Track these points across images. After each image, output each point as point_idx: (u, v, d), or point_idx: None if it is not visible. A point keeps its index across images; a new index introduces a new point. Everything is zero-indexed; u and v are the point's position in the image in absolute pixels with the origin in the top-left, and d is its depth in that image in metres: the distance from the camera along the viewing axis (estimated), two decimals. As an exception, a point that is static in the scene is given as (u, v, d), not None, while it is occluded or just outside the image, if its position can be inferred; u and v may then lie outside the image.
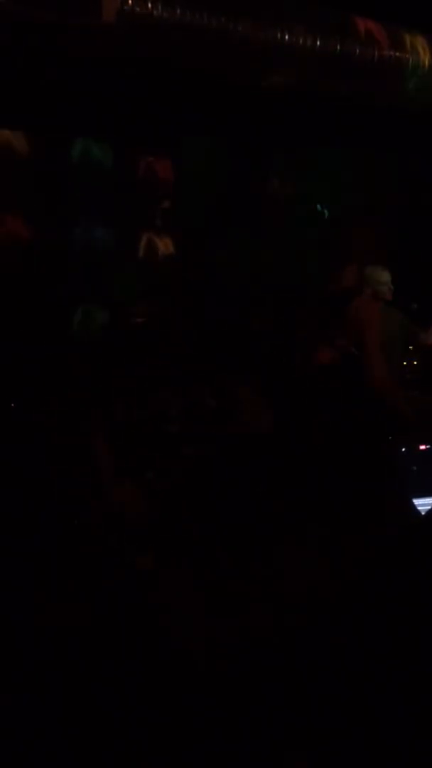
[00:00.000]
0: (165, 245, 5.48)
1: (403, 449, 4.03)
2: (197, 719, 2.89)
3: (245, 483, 3.62)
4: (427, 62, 5.01)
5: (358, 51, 4.99)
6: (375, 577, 3.26)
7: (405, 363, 4.50)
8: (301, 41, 4.85)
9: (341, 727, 2.88)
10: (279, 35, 4.75)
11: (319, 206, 5.73)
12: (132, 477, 3.32)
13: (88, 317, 5.25)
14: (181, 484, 3.43)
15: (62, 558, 3.24)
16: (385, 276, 4.24)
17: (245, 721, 2.89)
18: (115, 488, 3.25)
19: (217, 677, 3.03)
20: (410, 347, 4.51)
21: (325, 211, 5.74)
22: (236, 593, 3.32)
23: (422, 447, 4.35)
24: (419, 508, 3.98)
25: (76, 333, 5.09)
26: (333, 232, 5.65)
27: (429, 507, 3.74)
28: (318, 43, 4.89)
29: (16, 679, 2.95)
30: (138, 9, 4.09)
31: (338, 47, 4.97)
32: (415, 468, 4.32)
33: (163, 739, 2.82)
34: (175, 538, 3.34)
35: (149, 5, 4.10)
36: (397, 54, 5.08)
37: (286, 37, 4.78)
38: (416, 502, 4.00)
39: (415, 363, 4.72)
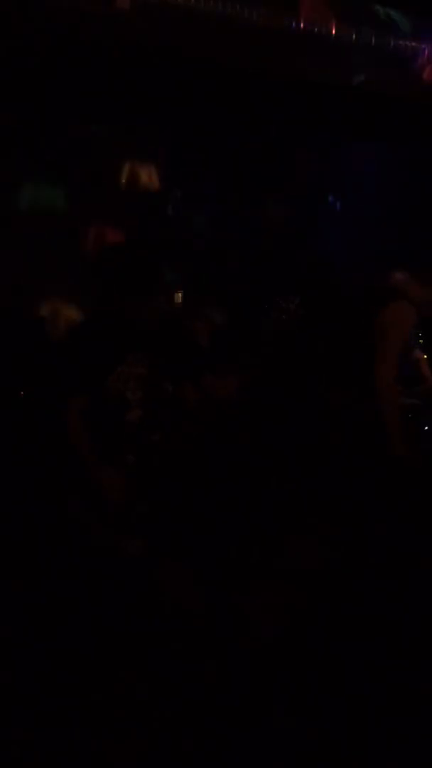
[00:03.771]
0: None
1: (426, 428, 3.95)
2: (196, 708, 2.90)
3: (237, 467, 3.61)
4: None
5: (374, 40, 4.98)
6: (373, 569, 3.27)
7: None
8: (316, 30, 4.82)
9: (341, 717, 2.90)
10: (294, 24, 4.73)
11: (330, 198, 5.71)
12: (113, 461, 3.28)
13: None
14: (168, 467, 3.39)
15: (58, 549, 3.24)
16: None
17: (245, 712, 2.91)
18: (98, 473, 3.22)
19: (215, 668, 3.04)
20: None
21: (337, 204, 5.71)
22: (234, 581, 3.34)
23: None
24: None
25: None
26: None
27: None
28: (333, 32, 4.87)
29: (11, 673, 2.97)
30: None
31: (353, 37, 4.95)
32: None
33: (162, 730, 2.83)
34: (169, 525, 3.33)
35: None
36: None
37: (300, 26, 4.76)
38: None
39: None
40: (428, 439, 3.68)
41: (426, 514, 3.46)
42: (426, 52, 5.10)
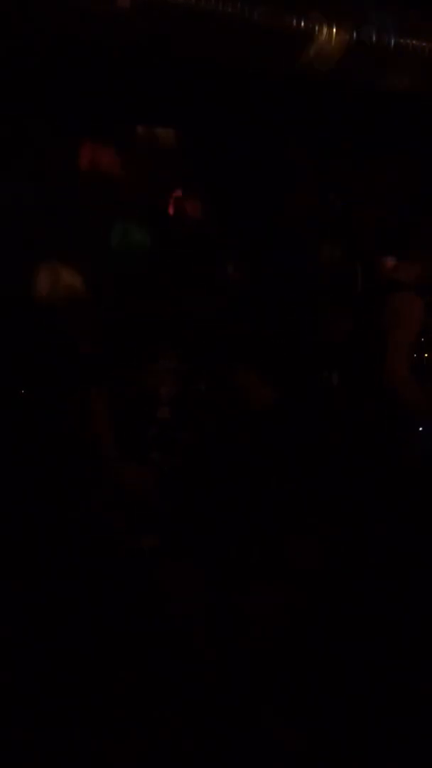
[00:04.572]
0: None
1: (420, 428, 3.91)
2: (196, 708, 2.91)
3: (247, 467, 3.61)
4: None
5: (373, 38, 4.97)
6: (373, 569, 3.27)
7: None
8: (317, 29, 4.80)
9: (341, 717, 2.91)
10: (295, 22, 4.70)
11: (332, 195, 5.68)
12: (137, 458, 3.28)
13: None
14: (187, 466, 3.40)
15: (58, 548, 3.25)
16: None
17: (245, 712, 2.91)
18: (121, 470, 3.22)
19: (215, 668, 3.05)
20: None
21: (339, 201, 5.69)
22: (238, 579, 3.34)
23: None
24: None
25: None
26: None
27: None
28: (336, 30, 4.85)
29: (11, 673, 2.97)
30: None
31: (354, 35, 4.93)
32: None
33: (162, 730, 2.84)
34: (181, 522, 3.35)
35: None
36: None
37: (302, 24, 4.73)
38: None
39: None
40: (428, 440, 3.67)
41: (426, 514, 3.46)
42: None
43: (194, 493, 3.31)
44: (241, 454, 3.56)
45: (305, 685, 3.03)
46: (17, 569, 3.25)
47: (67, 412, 3.58)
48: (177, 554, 3.29)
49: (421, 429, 3.65)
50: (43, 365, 4.06)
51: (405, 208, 5.32)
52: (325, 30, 4.80)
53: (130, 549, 3.26)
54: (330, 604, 3.26)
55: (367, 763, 2.81)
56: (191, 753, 2.78)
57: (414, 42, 4.89)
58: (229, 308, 4.35)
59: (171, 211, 5.33)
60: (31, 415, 3.85)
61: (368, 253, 5.02)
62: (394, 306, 3.69)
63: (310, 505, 3.55)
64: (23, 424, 3.78)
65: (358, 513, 3.49)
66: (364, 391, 3.70)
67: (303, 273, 5.27)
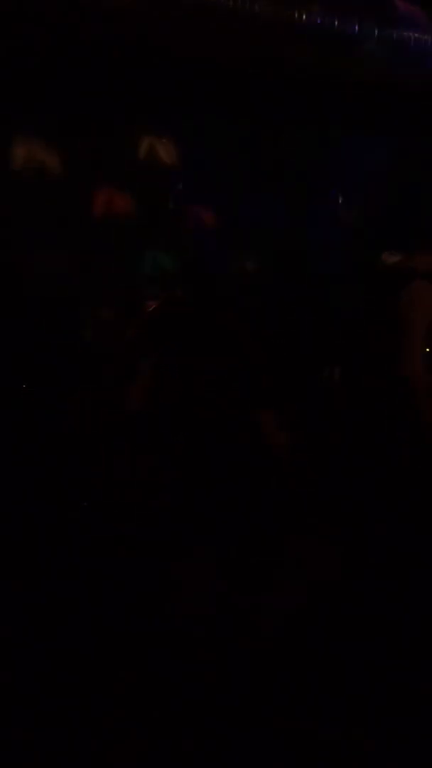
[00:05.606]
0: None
1: None
2: (196, 708, 2.91)
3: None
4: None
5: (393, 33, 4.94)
6: (373, 569, 3.28)
7: None
8: (319, 21, 4.78)
9: (341, 717, 2.91)
10: (297, 15, 4.69)
11: (333, 191, 5.68)
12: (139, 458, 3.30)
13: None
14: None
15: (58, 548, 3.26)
16: None
17: (245, 712, 2.91)
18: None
19: (215, 668, 3.05)
20: None
21: (340, 196, 5.68)
22: (238, 579, 3.35)
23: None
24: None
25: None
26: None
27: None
28: (336, 24, 4.83)
29: (11, 673, 2.98)
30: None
31: (356, 28, 4.91)
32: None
33: (162, 730, 2.84)
34: (182, 522, 3.35)
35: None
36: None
37: (304, 17, 4.72)
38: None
39: None
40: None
41: (426, 514, 3.46)
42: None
43: (195, 492, 3.32)
44: (241, 454, 3.57)
45: (305, 686, 3.03)
46: (17, 569, 3.25)
47: (67, 410, 3.59)
48: (177, 554, 3.29)
49: None
50: (43, 360, 4.06)
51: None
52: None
53: (131, 548, 3.27)
54: (330, 604, 3.26)
55: (367, 763, 2.81)
56: (191, 753, 2.78)
57: None
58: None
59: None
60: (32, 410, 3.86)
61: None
62: (409, 296, 3.68)
63: (310, 505, 3.55)
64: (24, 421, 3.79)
65: (359, 513, 3.49)
66: (366, 389, 3.70)
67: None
